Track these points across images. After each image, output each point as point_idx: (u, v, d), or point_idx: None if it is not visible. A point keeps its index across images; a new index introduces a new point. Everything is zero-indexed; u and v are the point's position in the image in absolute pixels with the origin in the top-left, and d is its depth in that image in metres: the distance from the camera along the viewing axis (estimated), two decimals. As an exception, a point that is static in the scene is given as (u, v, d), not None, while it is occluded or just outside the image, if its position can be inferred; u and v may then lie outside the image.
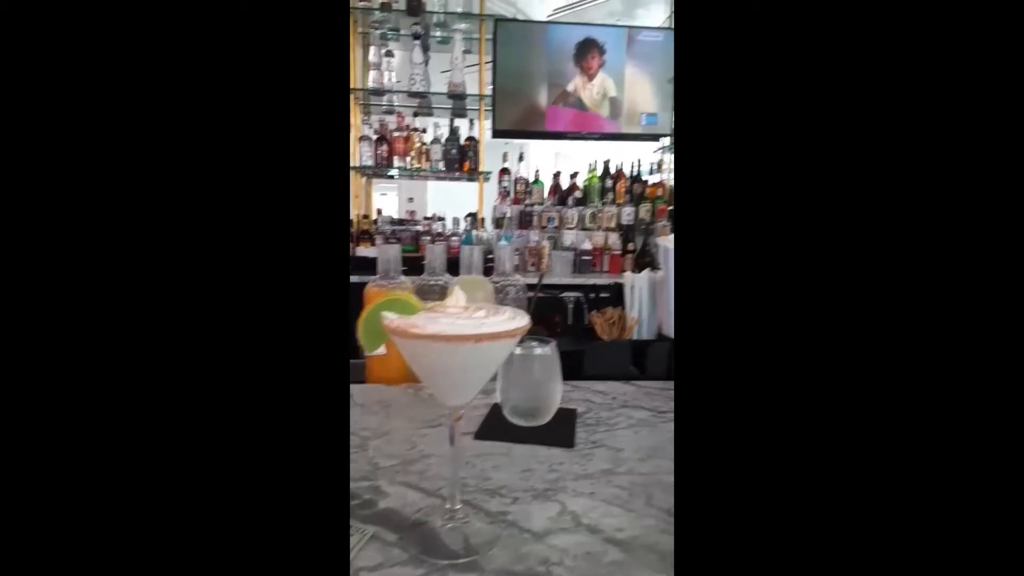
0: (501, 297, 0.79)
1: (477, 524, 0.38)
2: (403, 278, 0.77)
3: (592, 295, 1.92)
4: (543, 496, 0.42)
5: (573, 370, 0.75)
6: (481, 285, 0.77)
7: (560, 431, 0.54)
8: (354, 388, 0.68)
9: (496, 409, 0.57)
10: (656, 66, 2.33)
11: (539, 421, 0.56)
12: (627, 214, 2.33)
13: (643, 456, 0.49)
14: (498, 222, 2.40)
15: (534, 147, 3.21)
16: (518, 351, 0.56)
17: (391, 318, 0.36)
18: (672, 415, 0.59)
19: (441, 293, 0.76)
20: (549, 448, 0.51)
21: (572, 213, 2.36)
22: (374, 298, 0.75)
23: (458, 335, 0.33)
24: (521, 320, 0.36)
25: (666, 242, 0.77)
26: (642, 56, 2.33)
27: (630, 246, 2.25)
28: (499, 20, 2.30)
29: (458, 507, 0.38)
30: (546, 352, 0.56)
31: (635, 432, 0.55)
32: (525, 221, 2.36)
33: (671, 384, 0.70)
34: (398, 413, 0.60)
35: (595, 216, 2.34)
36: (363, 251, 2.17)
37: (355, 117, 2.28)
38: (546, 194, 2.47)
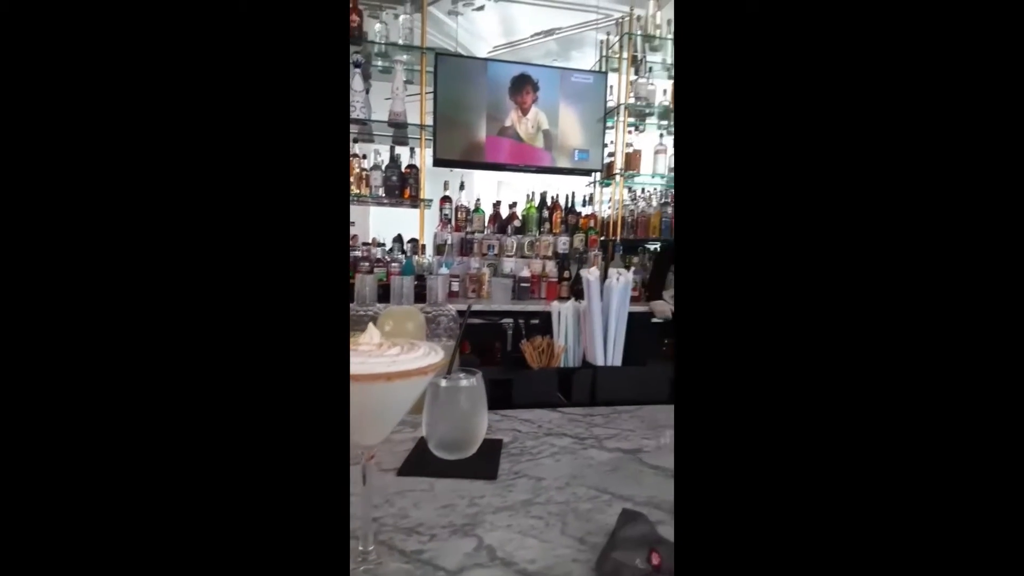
0: (433, 327, 0.79)
1: (392, 565, 0.38)
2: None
3: (533, 321, 1.96)
4: (461, 531, 0.42)
5: (503, 399, 0.76)
6: (411, 316, 0.78)
7: (484, 463, 0.55)
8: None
9: (422, 443, 0.57)
10: (586, 105, 2.48)
11: (465, 454, 0.56)
12: (562, 243, 2.42)
13: (561, 484, 0.51)
14: (439, 248, 2.41)
15: (478, 176, 3.28)
16: (444, 383, 0.57)
17: (302, 358, 0.35)
18: (591, 441, 0.62)
19: (372, 322, 0.76)
20: (472, 481, 0.51)
21: (511, 241, 2.42)
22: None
23: (369, 374, 0.33)
24: (435, 356, 0.37)
25: (589, 275, 0.82)
26: (574, 96, 2.47)
27: (566, 274, 2.33)
28: (439, 54, 2.37)
29: (371, 548, 0.38)
30: (472, 384, 0.57)
31: (556, 460, 0.57)
32: (466, 248, 2.39)
33: (593, 410, 0.73)
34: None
35: (533, 244, 2.41)
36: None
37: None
38: (487, 222, 2.52)
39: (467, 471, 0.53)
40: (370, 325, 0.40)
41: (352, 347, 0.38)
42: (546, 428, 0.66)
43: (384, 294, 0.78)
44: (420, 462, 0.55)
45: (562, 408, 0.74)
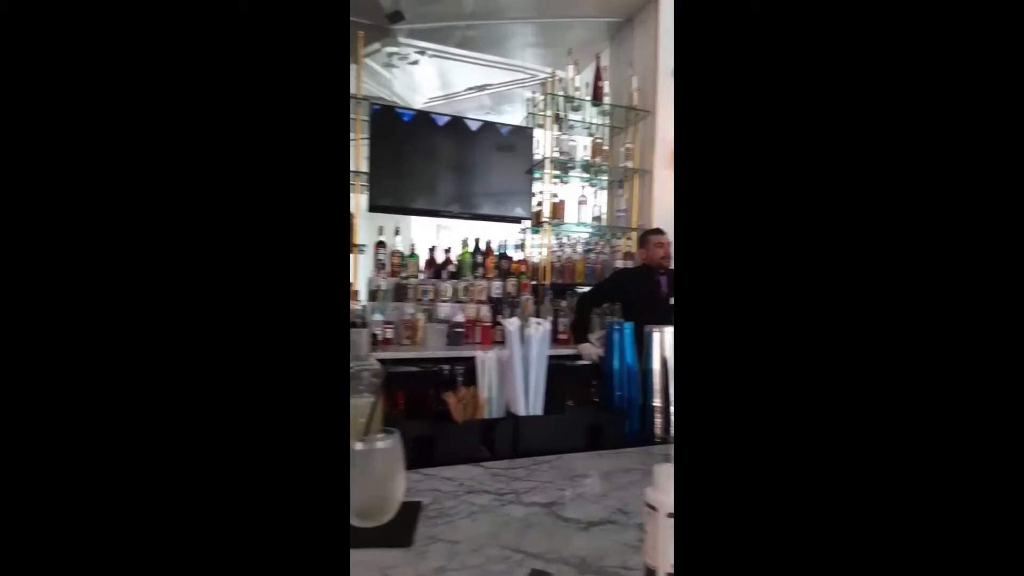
0: (355, 383, 0.78)
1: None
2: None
3: (460, 367, 1.95)
4: (368, 607, 0.41)
5: (426, 456, 0.76)
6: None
7: (400, 529, 0.54)
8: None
9: (336, 511, 0.55)
10: (517, 158, 2.63)
11: (381, 520, 0.55)
12: (496, 288, 2.48)
13: (476, 547, 0.51)
14: (372, 295, 2.37)
15: (415, 221, 3.30)
16: (359, 446, 0.56)
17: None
18: (510, 496, 0.63)
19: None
20: (387, 550, 0.50)
21: (447, 286, 2.44)
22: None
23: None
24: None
25: (509, 324, 0.85)
26: (505, 147, 2.62)
27: (499, 317, 2.38)
28: (375, 104, 2.42)
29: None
30: (388, 445, 0.57)
31: (473, 520, 0.57)
32: (400, 294, 2.37)
33: (515, 462, 0.75)
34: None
35: (468, 289, 2.44)
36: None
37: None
38: (422, 267, 2.52)
39: (381, 539, 0.52)
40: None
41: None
42: (467, 486, 0.66)
43: None
44: (332, 533, 0.53)
45: (485, 463, 0.75)
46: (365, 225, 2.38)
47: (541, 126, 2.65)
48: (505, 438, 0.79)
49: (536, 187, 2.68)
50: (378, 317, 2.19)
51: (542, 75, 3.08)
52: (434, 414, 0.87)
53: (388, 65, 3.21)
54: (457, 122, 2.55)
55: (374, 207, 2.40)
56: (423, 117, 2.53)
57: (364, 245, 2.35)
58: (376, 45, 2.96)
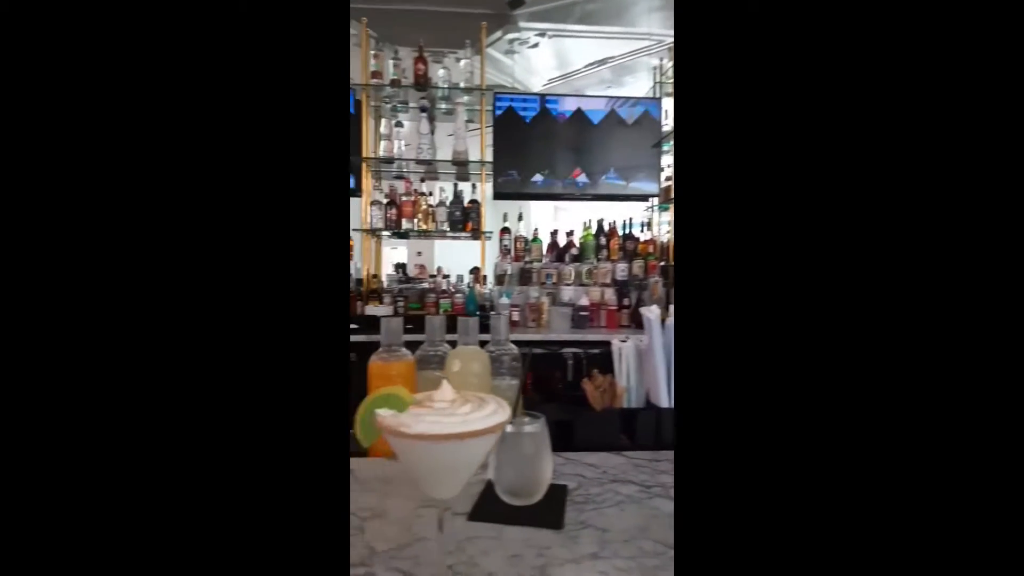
0: (496, 366, 0.82)
1: (464, 613, 0.40)
2: (404, 351, 0.81)
3: (593, 351, 1.94)
4: (529, 582, 0.43)
5: (565, 440, 0.77)
6: (477, 356, 0.81)
7: (550, 510, 0.56)
8: (356, 462, 0.71)
9: (490, 486, 0.59)
10: (640, 132, 2.48)
11: (531, 500, 0.58)
12: (621, 270, 2.40)
13: (627, 538, 0.51)
14: (499, 279, 2.47)
15: (535, 206, 3.35)
16: (509, 428, 0.59)
17: (383, 415, 0.39)
18: (657, 489, 0.61)
19: (440, 362, 0.80)
20: (539, 530, 0.53)
21: (569, 269, 2.43)
22: (377, 373, 0.79)
23: (443, 434, 0.37)
24: (503, 414, 0.40)
25: (650, 312, 0.81)
26: (628, 122, 2.49)
27: (625, 301, 2.30)
28: (498, 93, 2.48)
29: (446, 596, 0.40)
30: (535, 429, 0.59)
31: (621, 510, 0.57)
32: (525, 278, 2.43)
33: (659, 454, 0.72)
34: (396, 490, 0.62)
35: (591, 272, 2.40)
36: (372, 309, 2.22)
37: (367, 183, 2.41)
38: (544, 251, 2.55)
39: (534, 519, 0.54)
40: (444, 383, 0.43)
41: (428, 405, 0.41)
42: (611, 474, 0.66)
43: (451, 325, 0.83)
44: (489, 506, 0.57)
45: (626, 452, 0.74)
46: (490, 212, 2.48)
47: (670, 94, 2.47)
48: (647, 429, 0.77)
49: (665, 160, 2.51)
50: (504, 300, 2.28)
51: (669, 39, 2.85)
52: (569, 399, 0.88)
53: (509, 52, 3.26)
54: (579, 115, 2.49)
55: (499, 194, 2.48)
56: (544, 116, 2.52)
57: (490, 232, 2.46)
58: (498, 33, 3.02)
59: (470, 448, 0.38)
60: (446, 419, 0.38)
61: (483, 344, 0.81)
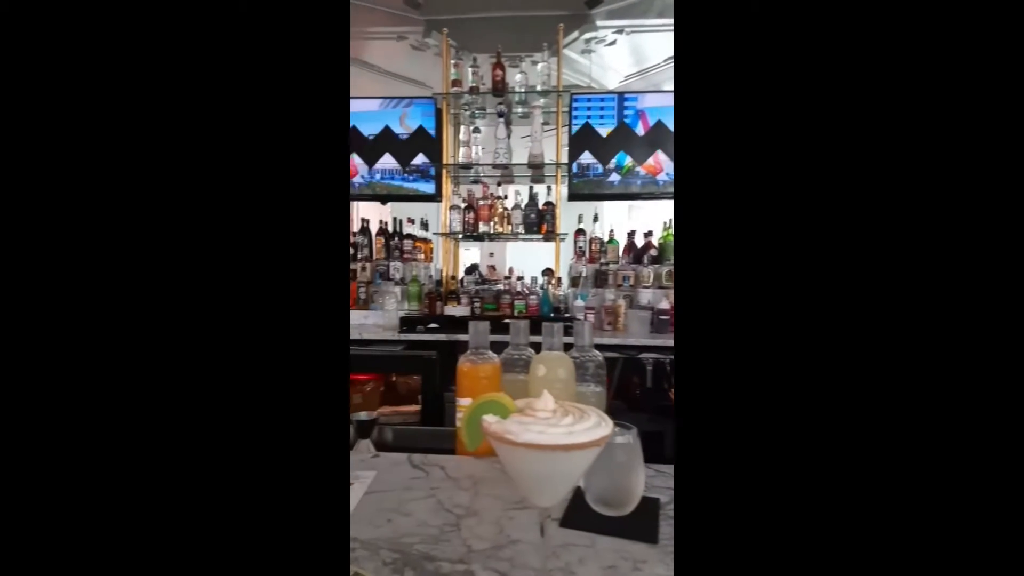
0: (581, 373, 0.82)
1: (565, 620, 0.40)
2: (491, 354, 0.83)
3: (673, 356, 1.86)
4: (628, 597, 0.43)
5: (655, 453, 0.75)
6: (562, 362, 0.81)
7: (643, 524, 0.55)
8: (445, 459, 0.74)
9: (579, 493, 0.60)
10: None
11: (622, 511, 0.57)
12: (708, 272, 2.27)
13: (731, 561, 0.48)
14: (574, 281, 2.45)
15: (608, 206, 3.29)
16: (600, 438, 0.59)
17: (489, 421, 0.41)
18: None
19: (524, 366, 0.82)
20: (632, 542, 0.52)
21: (648, 271, 2.36)
22: (466, 374, 0.81)
23: (549, 444, 0.37)
24: (606, 427, 0.40)
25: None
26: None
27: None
28: (575, 94, 2.46)
29: (547, 602, 0.41)
30: (627, 440, 0.58)
31: (722, 531, 0.54)
32: (600, 279, 2.39)
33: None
34: (487, 490, 0.64)
35: (671, 274, 2.31)
36: (450, 309, 2.31)
37: (447, 189, 2.51)
38: (621, 253, 2.50)
39: (627, 531, 0.53)
40: (544, 392, 0.44)
41: (530, 414, 0.42)
42: (705, 491, 0.63)
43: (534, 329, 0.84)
44: (579, 514, 0.57)
45: (721, 468, 0.70)
46: (565, 214, 2.47)
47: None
48: (744, 445, 0.73)
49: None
50: (580, 303, 2.26)
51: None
52: (653, 407, 0.85)
53: (586, 51, 3.23)
54: (657, 111, 2.40)
55: (573, 196, 2.47)
56: (621, 113, 2.45)
57: (564, 233, 2.45)
58: (575, 34, 3.00)
59: (574, 460, 0.39)
60: (552, 429, 0.39)
61: (566, 348, 0.81)
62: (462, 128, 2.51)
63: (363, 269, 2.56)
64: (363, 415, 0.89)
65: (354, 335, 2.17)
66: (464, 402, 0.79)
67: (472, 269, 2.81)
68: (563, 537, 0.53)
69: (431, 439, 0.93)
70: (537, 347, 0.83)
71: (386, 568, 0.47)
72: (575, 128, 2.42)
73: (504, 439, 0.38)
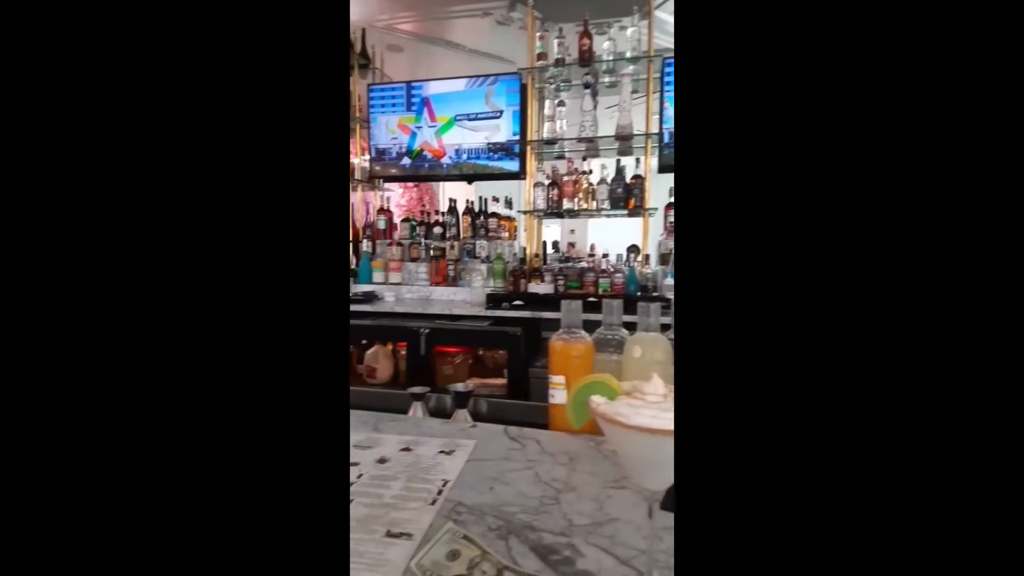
0: (678, 355, 0.79)
1: (672, 604, 0.40)
2: (583, 333, 0.83)
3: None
4: (740, 589, 0.41)
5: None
6: (659, 343, 0.79)
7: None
8: (540, 434, 0.76)
9: (679, 479, 0.58)
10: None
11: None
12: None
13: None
14: (663, 258, 2.34)
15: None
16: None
17: (598, 402, 0.41)
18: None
19: (618, 346, 0.80)
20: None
21: (749, 248, 2.17)
22: (559, 352, 0.82)
23: (662, 429, 0.36)
24: (722, 415, 0.38)
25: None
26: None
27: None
28: (667, 58, 2.30)
29: (654, 583, 0.41)
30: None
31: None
32: (693, 257, 2.26)
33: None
34: (583, 467, 0.65)
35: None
36: (534, 287, 2.33)
37: (531, 166, 2.51)
38: (718, 228, 2.33)
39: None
40: (654, 376, 0.43)
41: (639, 396, 0.42)
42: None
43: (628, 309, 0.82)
44: (681, 500, 0.55)
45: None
46: (655, 187, 2.35)
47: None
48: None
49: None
50: (669, 281, 2.16)
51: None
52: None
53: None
54: None
55: (664, 168, 2.33)
56: None
57: (654, 208, 2.33)
58: (666, -9, 2.78)
59: (688, 445, 0.38)
60: (664, 414, 0.38)
61: (663, 329, 0.78)
62: (547, 103, 2.47)
63: (451, 248, 2.66)
64: (460, 386, 0.93)
65: (444, 310, 2.28)
66: (557, 379, 0.80)
67: (554, 246, 2.79)
68: (665, 520, 0.52)
69: (524, 413, 0.96)
70: (629, 327, 0.81)
71: (491, 533, 0.49)
72: (667, 95, 2.27)
73: (616, 421, 0.38)
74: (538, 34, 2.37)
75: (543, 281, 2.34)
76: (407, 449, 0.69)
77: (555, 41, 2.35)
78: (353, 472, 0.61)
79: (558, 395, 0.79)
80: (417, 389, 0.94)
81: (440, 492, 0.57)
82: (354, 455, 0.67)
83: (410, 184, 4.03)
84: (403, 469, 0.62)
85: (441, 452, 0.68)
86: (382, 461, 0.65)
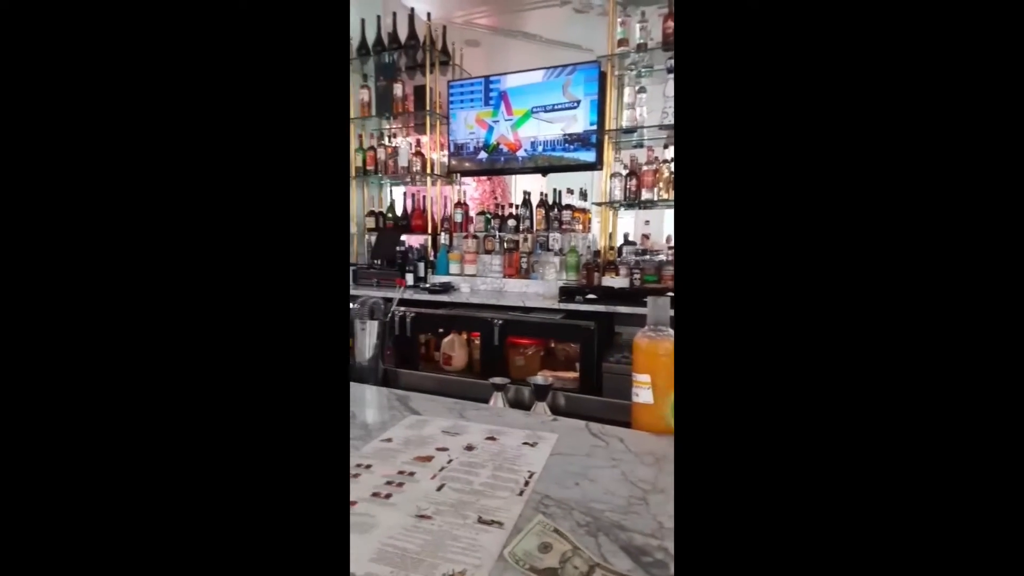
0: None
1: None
2: (669, 330, 0.80)
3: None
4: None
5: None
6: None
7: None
8: (622, 432, 0.75)
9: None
10: None
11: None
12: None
13: None
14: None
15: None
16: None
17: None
18: None
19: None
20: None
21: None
22: (644, 350, 0.80)
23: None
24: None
25: None
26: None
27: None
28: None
29: None
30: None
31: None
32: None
33: None
34: (670, 469, 0.63)
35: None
36: (608, 280, 2.29)
37: (609, 156, 2.45)
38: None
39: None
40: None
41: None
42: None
43: None
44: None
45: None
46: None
47: None
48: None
49: None
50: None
51: None
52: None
53: None
54: None
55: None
56: None
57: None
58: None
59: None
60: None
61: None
62: (626, 90, 2.39)
63: (524, 240, 2.68)
64: (539, 379, 0.94)
65: (516, 302, 2.31)
66: (642, 378, 0.78)
67: (624, 238, 2.71)
68: (766, 535, 0.49)
69: (604, 409, 0.95)
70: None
71: (581, 529, 0.50)
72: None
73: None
74: (619, 19, 2.29)
75: (618, 274, 2.29)
76: (492, 438, 0.71)
77: (637, 26, 2.26)
78: (443, 457, 0.64)
79: (643, 394, 0.77)
80: (498, 380, 0.96)
81: (527, 483, 0.58)
82: (443, 440, 0.70)
83: (483, 178, 4.10)
84: (489, 458, 0.64)
85: (525, 444, 0.69)
86: (469, 448, 0.67)
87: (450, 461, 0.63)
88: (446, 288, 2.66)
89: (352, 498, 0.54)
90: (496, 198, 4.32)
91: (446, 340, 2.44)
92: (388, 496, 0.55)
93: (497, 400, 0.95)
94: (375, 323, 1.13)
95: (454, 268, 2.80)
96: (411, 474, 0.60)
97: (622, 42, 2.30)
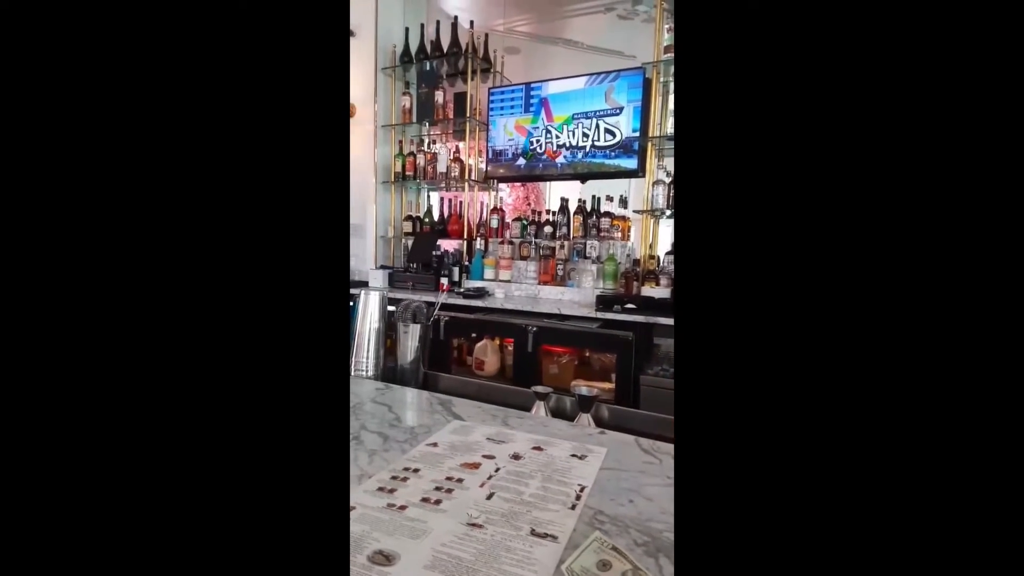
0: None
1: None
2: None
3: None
4: None
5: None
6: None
7: None
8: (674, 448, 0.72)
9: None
10: None
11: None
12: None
13: None
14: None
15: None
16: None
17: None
18: None
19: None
20: None
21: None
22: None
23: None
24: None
25: None
26: None
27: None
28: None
29: None
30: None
31: None
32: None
33: None
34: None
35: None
36: (648, 291, 2.24)
37: (651, 163, 2.41)
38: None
39: None
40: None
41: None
42: None
43: None
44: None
45: None
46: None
47: None
48: None
49: None
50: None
51: None
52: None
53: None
54: None
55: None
56: None
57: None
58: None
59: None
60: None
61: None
62: (671, 97, 2.34)
63: (561, 247, 2.66)
64: (584, 389, 0.92)
65: (552, 310, 2.29)
66: (695, 393, 0.74)
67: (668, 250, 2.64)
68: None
69: (651, 424, 0.92)
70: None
71: (639, 548, 0.47)
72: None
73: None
74: (666, 26, 2.26)
75: (658, 284, 2.24)
76: (539, 448, 0.69)
77: (683, 31, 2.22)
78: (490, 465, 0.63)
79: (696, 410, 0.74)
80: (540, 388, 0.94)
81: (579, 497, 0.56)
82: (489, 448, 0.69)
83: (517, 184, 4.11)
84: (538, 468, 0.63)
85: (573, 456, 0.67)
86: (516, 457, 0.66)
87: (497, 470, 0.62)
88: (480, 293, 2.67)
89: (402, 502, 0.53)
90: (530, 203, 4.32)
91: (479, 345, 2.44)
92: (438, 502, 0.54)
93: (539, 409, 0.93)
94: (417, 326, 1.14)
95: (489, 273, 2.80)
96: (459, 480, 0.59)
97: (668, 48, 2.26)
